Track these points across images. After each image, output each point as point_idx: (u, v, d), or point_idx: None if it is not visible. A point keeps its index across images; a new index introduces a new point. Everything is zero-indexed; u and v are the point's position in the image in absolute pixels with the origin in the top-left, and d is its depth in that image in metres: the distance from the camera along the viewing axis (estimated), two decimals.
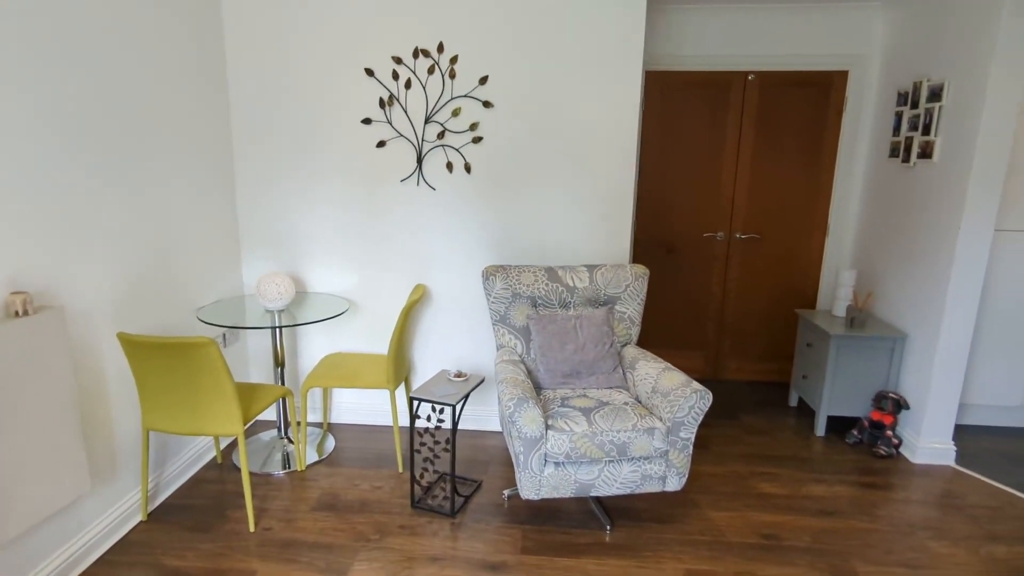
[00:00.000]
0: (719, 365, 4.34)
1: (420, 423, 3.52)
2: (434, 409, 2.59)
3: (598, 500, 2.81)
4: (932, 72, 3.23)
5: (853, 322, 3.46)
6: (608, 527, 2.61)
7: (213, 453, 3.18)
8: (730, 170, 4.02)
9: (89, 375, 2.36)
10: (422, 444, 2.64)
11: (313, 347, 3.53)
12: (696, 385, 2.50)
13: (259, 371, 3.56)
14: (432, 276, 3.37)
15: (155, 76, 2.66)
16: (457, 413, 2.71)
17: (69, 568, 2.25)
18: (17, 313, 1.95)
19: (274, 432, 3.41)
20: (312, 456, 3.21)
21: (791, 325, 4.22)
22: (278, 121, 3.24)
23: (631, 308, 3.04)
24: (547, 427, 2.46)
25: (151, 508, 2.71)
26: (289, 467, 3.07)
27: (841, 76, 3.83)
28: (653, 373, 2.72)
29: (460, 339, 3.44)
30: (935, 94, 3.17)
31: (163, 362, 2.37)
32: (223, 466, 3.10)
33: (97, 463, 2.41)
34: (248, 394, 2.74)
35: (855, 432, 3.43)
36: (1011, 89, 2.80)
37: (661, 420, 2.52)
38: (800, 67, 3.81)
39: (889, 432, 3.29)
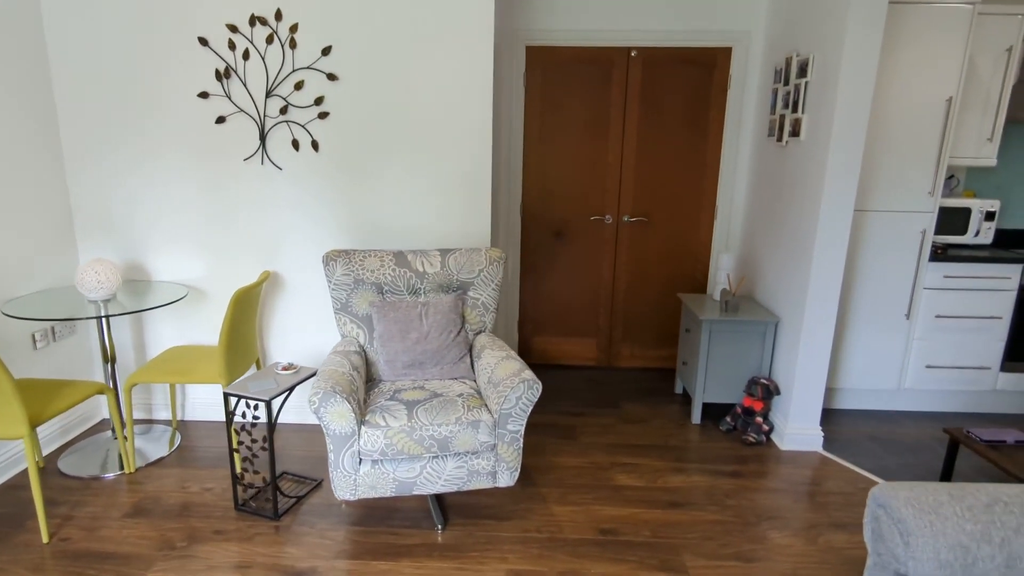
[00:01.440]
0: (612, 352, 4.23)
1: (240, 419, 3.32)
2: (248, 405, 2.40)
3: (437, 498, 2.66)
4: (801, 47, 3.12)
5: (727, 306, 3.36)
6: (440, 526, 2.46)
7: (37, 457, 2.93)
8: (616, 151, 3.88)
9: None
10: (240, 443, 2.44)
11: (161, 340, 3.29)
12: (527, 374, 2.36)
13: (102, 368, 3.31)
14: (283, 262, 3.16)
15: None
16: (275, 409, 2.52)
17: None
18: None
19: (110, 432, 3.17)
20: (157, 453, 2.99)
21: (680, 311, 4.12)
22: (108, 85, 2.97)
23: (485, 294, 2.88)
24: (361, 423, 2.28)
25: None
26: (124, 469, 2.84)
27: (725, 53, 3.71)
28: (492, 362, 2.56)
29: (314, 328, 3.24)
30: (802, 70, 3.06)
31: None
32: (44, 471, 2.86)
33: None
34: (45, 391, 2.50)
35: (728, 419, 3.35)
36: (866, 64, 2.70)
37: (490, 412, 2.37)
38: (684, 43, 3.68)
39: (759, 419, 3.20)
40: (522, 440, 2.39)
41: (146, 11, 2.88)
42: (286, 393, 2.53)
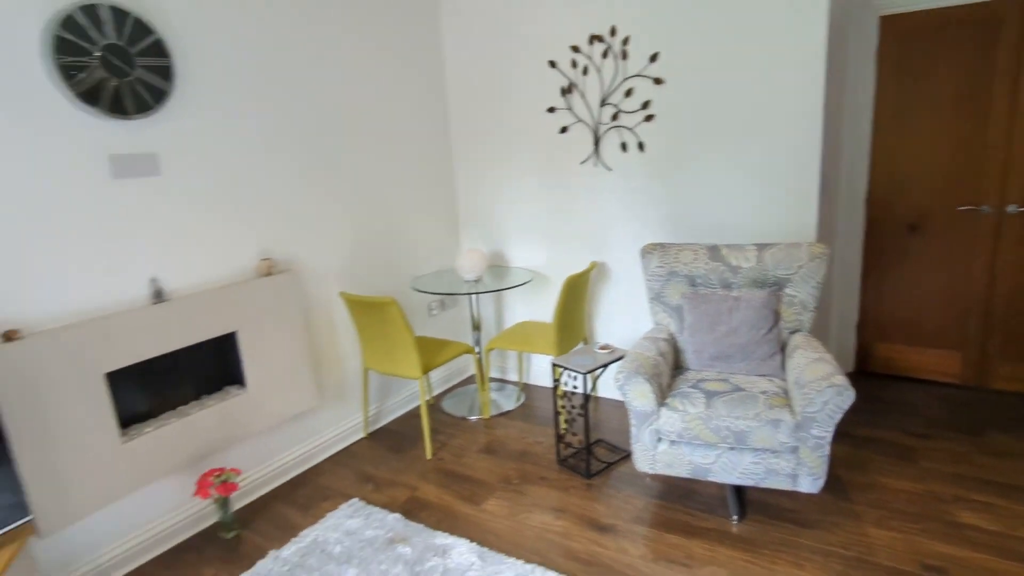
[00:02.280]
0: (984, 370, 3.46)
1: (563, 387, 3.72)
2: (569, 375, 2.79)
3: (736, 490, 2.65)
4: None
5: None
6: (735, 517, 2.47)
7: (428, 395, 3.91)
8: (1001, 128, 3.14)
9: (325, 324, 3.20)
10: (562, 407, 2.86)
11: (514, 314, 4.01)
12: (838, 379, 2.19)
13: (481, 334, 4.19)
14: (609, 253, 3.51)
15: (385, 88, 3.39)
16: (589, 381, 2.83)
17: (305, 460, 3.14)
18: (266, 273, 2.81)
19: (475, 385, 4.00)
20: (507, 406, 3.69)
21: None
22: (484, 118, 3.75)
23: (803, 292, 2.73)
24: (661, 404, 2.45)
25: (372, 430, 3.52)
26: (482, 414, 3.60)
27: None
28: (802, 363, 2.44)
29: (633, 314, 3.51)
30: None
31: (368, 316, 3.08)
32: (432, 407, 3.79)
33: (329, 389, 3.27)
34: (433, 347, 3.33)
35: None
36: None
37: (793, 413, 2.28)
38: None
39: None
40: (829, 447, 2.23)
41: (511, 43, 3.52)
42: (601, 369, 2.85)
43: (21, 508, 1.89)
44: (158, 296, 2.44)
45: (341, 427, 3.34)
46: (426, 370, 3.12)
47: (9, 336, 1.99)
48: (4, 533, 1.88)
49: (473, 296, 3.66)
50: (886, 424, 3.16)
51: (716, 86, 2.99)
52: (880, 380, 3.68)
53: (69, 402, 2.14)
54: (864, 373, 3.78)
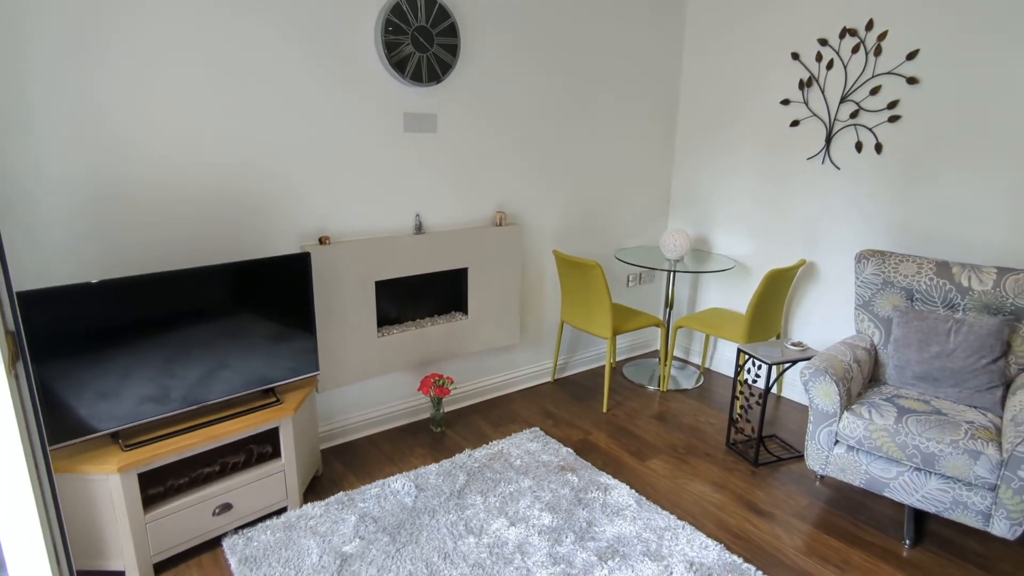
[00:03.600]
0: None
1: (746, 376, 3.69)
2: (754, 364, 2.86)
3: (917, 515, 2.54)
4: None
5: None
6: (908, 541, 2.39)
7: (612, 358, 4.20)
8: None
9: (536, 275, 3.64)
10: (741, 393, 2.95)
11: (708, 299, 4.09)
12: None
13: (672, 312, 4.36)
14: (820, 253, 3.42)
15: (621, 72, 3.66)
16: (773, 374, 2.84)
17: (501, 387, 3.64)
18: (498, 223, 3.30)
19: (657, 360, 4.19)
20: (685, 385, 3.85)
21: None
22: (713, 104, 3.83)
23: None
24: (846, 408, 2.44)
25: (558, 376, 3.92)
26: (659, 387, 3.80)
27: None
28: None
29: (836, 318, 3.40)
30: None
31: (573, 275, 3.43)
32: (615, 370, 4.08)
33: (529, 333, 3.71)
34: (625, 314, 3.59)
35: None
36: None
37: (1000, 450, 2.14)
38: None
39: None
40: None
41: (754, 30, 3.53)
42: (788, 364, 2.87)
43: (314, 364, 2.59)
44: (419, 229, 3.04)
45: (534, 368, 3.78)
46: (616, 333, 3.40)
47: (323, 240, 2.71)
48: (304, 379, 2.61)
49: (671, 274, 3.82)
50: None
51: (981, 92, 2.74)
52: None
53: (349, 297, 2.83)
54: None
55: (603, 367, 4.11)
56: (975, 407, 2.49)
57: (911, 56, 2.93)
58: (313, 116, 2.64)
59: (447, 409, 3.43)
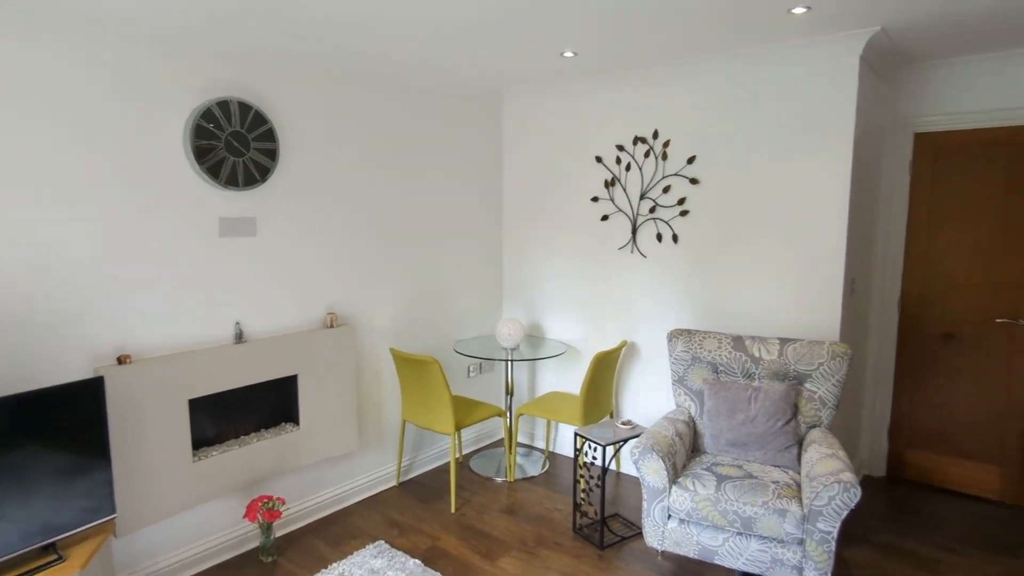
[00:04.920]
0: None
1: (589, 459, 3.84)
2: (590, 447, 2.96)
3: None
4: None
5: None
6: None
7: (458, 453, 4.11)
8: None
9: (373, 375, 3.52)
10: (581, 477, 3.01)
11: (546, 383, 4.22)
12: (846, 476, 2.29)
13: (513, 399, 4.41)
14: (639, 334, 3.72)
15: (446, 176, 3.82)
16: (608, 455, 2.98)
17: (340, 500, 3.39)
18: (329, 325, 3.17)
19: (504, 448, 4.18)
20: (532, 471, 3.85)
21: None
22: (533, 203, 4.11)
23: (823, 388, 2.85)
24: (673, 482, 2.59)
25: (404, 479, 3.74)
26: (507, 477, 3.77)
27: None
28: (815, 457, 2.54)
29: (659, 393, 3.66)
30: None
31: (412, 372, 3.37)
32: (461, 464, 3.99)
33: (369, 436, 3.54)
34: (467, 407, 3.57)
35: None
36: None
37: (801, 506, 2.38)
38: None
39: None
40: (834, 544, 2.30)
41: (563, 140, 3.91)
42: (620, 443, 3.01)
43: (110, 506, 2.21)
44: (239, 337, 2.82)
45: (376, 473, 3.58)
46: (459, 427, 3.35)
47: (122, 360, 2.39)
48: (93, 527, 2.20)
49: (509, 363, 3.90)
50: (912, 534, 3.13)
51: (747, 189, 3.24)
52: (912, 488, 3.64)
53: (156, 420, 2.50)
54: (896, 479, 3.75)
55: (449, 463, 4.01)
56: (778, 466, 2.76)
57: (690, 160, 3.40)
58: (113, 223, 2.41)
59: (279, 533, 3.10)
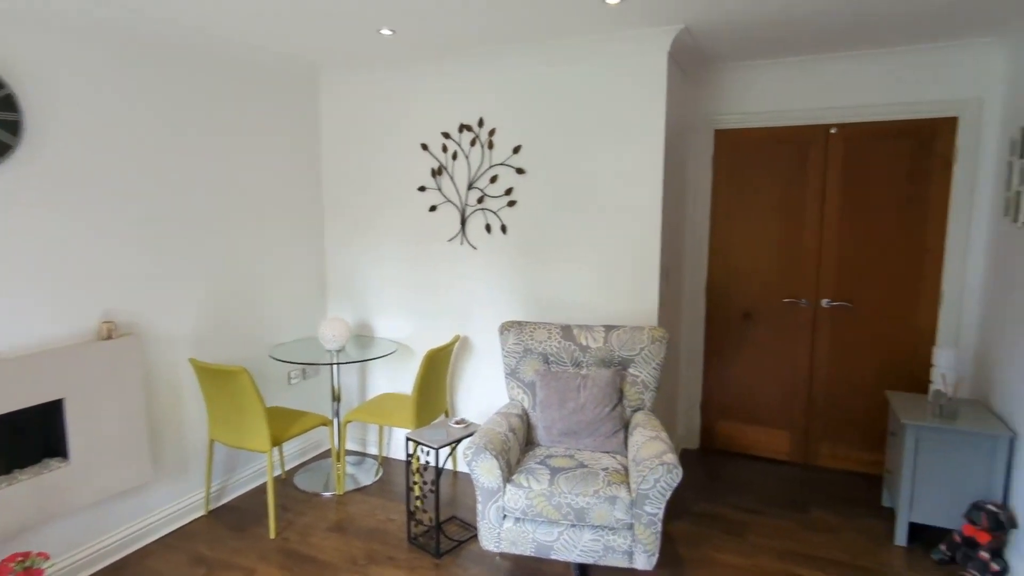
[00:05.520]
0: (808, 449, 3.83)
1: (423, 462, 3.72)
2: (423, 451, 2.79)
3: (582, 570, 2.71)
4: None
5: (942, 411, 2.88)
6: None
7: (279, 470, 3.72)
8: (813, 233, 3.65)
9: (170, 391, 3.01)
10: (415, 483, 2.83)
11: (378, 385, 3.96)
12: (668, 458, 2.36)
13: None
14: (473, 327, 3.61)
15: (253, 154, 3.38)
16: (443, 457, 2.86)
17: (133, 541, 2.86)
18: (106, 336, 2.64)
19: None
20: (364, 480, 3.58)
21: None
22: (357, 192, 3.82)
23: (645, 372, 2.94)
24: (508, 481, 2.51)
25: (215, 506, 3.28)
26: (336, 490, 3.46)
27: (948, 124, 3.31)
28: (640, 440, 2.60)
29: (495, 387, 3.60)
30: None
31: (217, 384, 2.93)
32: (284, 481, 3.61)
33: (167, 462, 3.04)
34: (287, 419, 3.21)
35: (943, 548, 2.81)
36: None
37: (630, 491, 2.41)
38: (893, 116, 3.39)
39: (984, 554, 2.64)
40: (661, 524, 2.37)
41: (386, 126, 3.67)
42: (454, 444, 2.87)
43: None
44: None
45: (178, 504, 3.09)
46: (276, 443, 3.00)
47: None
48: None
49: (334, 366, 3.59)
50: (723, 500, 3.39)
51: (571, 180, 3.26)
52: (721, 456, 3.97)
53: None
54: (708, 450, 4.06)
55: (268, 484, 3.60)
56: (608, 452, 2.80)
57: (516, 150, 3.35)
58: None
59: None
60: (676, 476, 2.33)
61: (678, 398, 4.03)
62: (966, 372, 3.34)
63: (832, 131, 3.55)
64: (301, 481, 3.59)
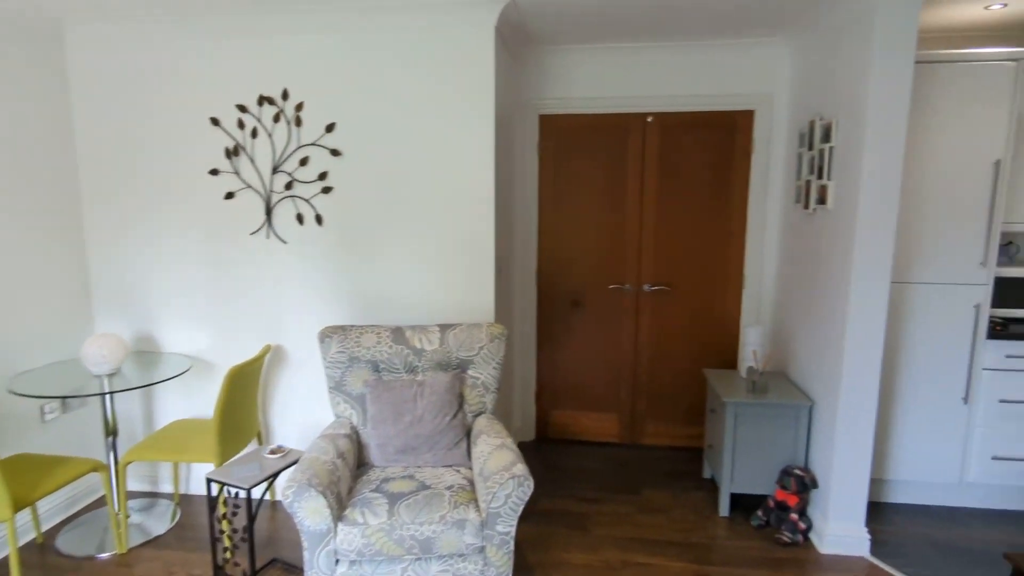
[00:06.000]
0: (635, 429, 3.97)
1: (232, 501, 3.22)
2: (230, 494, 2.30)
3: None
4: (824, 110, 2.94)
5: (755, 386, 3.09)
6: None
7: (32, 534, 2.91)
8: (634, 218, 3.73)
9: None
10: (222, 532, 2.33)
11: (170, 411, 3.28)
12: (518, 469, 2.18)
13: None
14: (286, 335, 3.12)
15: None
16: (256, 497, 2.42)
17: None
18: None
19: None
20: (156, 529, 2.92)
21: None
22: (128, 174, 3.08)
23: (486, 372, 2.74)
24: (339, 519, 2.14)
25: None
26: (117, 549, 2.77)
27: (746, 117, 3.56)
28: (486, 451, 2.40)
29: (316, 403, 3.16)
30: (826, 134, 2.87)
31: None
32: (43, 546, 2.82)
33: None
34: (36, 471, 2.48)
35: (760, 514, 3.02)
36: (894, 128, 2.49)
37: (479, 510, 2.19)
38: (702, 107, 3.55)
39: (794, 515, 2.88)
40: (513, 542, 2.18)
41: (164, 96, 2.99)
42: (270, 480, 2.42)
43: None
44: None
45: None
46: (21, 506, 2.28)
47: None
48: None
49: (107, 396, 2.87)
50: (563, 493, 3.34)
51: (397, 165, 2.92)
52: (557, 445, 3.95)
53: None
54: (544, 440, 4.02)
55: (25, 552, 2.79)
56: (451, 466, 2.56)
57: (330, 129, 2.92)
58: None
59: None
60: (528, 489, 2.16)
61: (513, 390, 3.93)
62: (769, 347, 3.66)
63: (649, 119, 3.63)
64: (67, 543, 2.84)
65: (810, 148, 3.06)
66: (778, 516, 2.95)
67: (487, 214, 2.92)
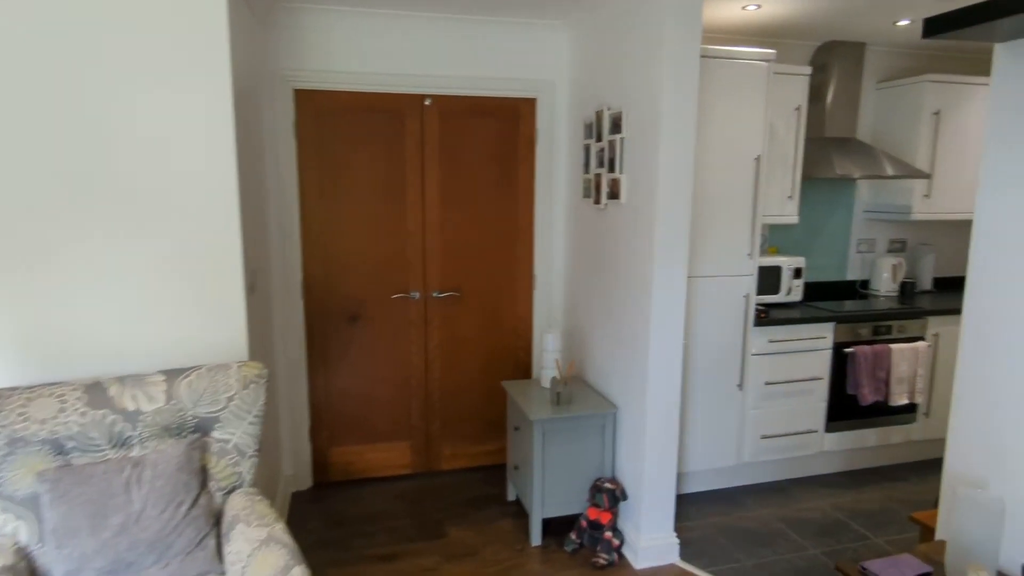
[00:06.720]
0: (431, 454, 3.50)
1: None
2: None
3: None
4: (611, 100, 2.78)
5: (559, 398, 2.84)
6: None
7: None
8: (416, 215, 3.24)
9: None
10: None
11: None
12: (297, 573, 1.54)
13: None
14: None
15: None
16: None
17: None
18: None
19: None
20: None
21: (505, 396, 3.56)
22: None
23: (239, 432, 2.01)
24: None
25: None
26: None
27: (529, 104, 3.30)
28: (246, 550, 1.70)
29: None
30: (616, 125, 2.71)
31: None
32: None
33: None
34: None
35: (573, 536, 2.79)
36: (685, 118, 2.39)
37: None
38: (483, 92, 3.20)
39: (608, 533, 2.69)
40: None
41: None
42: None
43: None
44: None
45: None
46: None
47: None
48: None
49: None
50: (353, 555, 2.73)
51: (91, 144, 2.00)
52: (341, 489, 3.30)
53: None
54: (324, 486, 3.34)
55: None
56: None
57: None
58: None
59: None
60: None
61: (280, 428, 3.17)
62: (567, 353, 3.47)
63: (427, 103, 3.16)
64: None
65: (599, 139, 2.89)
66: (591, 536, 2.74)
67: (230, 211, 2.16)
